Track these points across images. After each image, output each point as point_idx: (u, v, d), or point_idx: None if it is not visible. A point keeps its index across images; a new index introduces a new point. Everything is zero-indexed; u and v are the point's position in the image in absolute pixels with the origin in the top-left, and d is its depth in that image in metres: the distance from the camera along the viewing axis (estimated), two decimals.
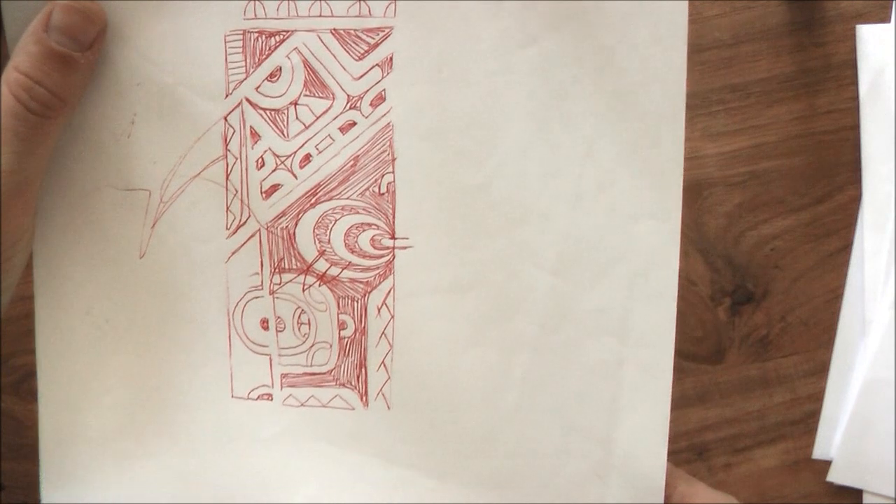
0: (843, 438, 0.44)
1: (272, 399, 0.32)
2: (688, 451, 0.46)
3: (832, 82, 0.44)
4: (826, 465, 0.45)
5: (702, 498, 0.31)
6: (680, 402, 0.46)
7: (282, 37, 0.30)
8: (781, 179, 0.44)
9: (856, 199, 0.44)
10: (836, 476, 0.45)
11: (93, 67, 0.27)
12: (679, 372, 0.46)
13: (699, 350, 0.45)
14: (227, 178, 0.31)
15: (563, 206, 0.31)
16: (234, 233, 0.31)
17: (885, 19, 0.44)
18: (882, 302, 0.44)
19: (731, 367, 0.45)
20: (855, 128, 0.44)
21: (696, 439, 0.46)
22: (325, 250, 0.31)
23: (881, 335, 0.44)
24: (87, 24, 0.26)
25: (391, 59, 0.30)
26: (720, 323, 0.45)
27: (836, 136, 0.44)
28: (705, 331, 0.45)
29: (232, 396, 0.32)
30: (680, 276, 0.45)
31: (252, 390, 0.32)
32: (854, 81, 0.44)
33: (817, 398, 0.45)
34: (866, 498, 0.44)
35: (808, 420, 0.45)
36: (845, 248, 0.44)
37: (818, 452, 0.45)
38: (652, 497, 0.31)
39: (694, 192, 0.45)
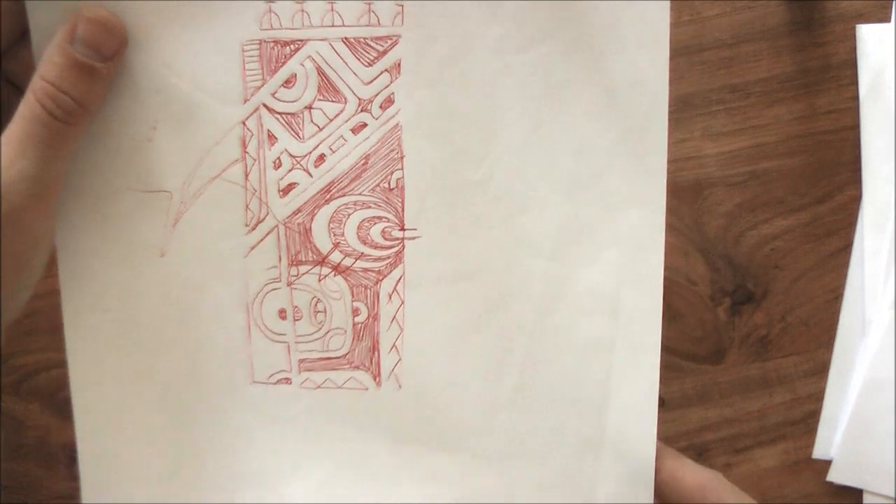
0: (843, 438, 0.44)
1: (290, 383, 0.34)
2: (688, 451, 0.46)
3: (832, 82, 0.44)
4: (826, 465, 0.45)
5: (690, 473, 0.33)
6: (680, 402, 0.46)
7: (296, 45, 0.32)
8: (781, 179, 0.44)
9: (856, 199, 0.44)
10: (836, 476, 0.45)
11: (113, 77, 0.29)
12: (679, 372, 0.46)
13: (699, 350, 0.45)
14: (245, 179, 0.33)
15: (557, 197, 0.33)
16: (252, 229, 0.33)
17: (885, 19, 0.44)
18: (882, 302, 0.44)
19: (731, 367, 0.45)
20: (855, 128, 0.44)
21: (696, 439, 0.46)
22: (339, 243, 0.34)
23: (881, 335, 0.44)
24: (110, 37, 0.28)
25: (399, 64, 0.32)
26: (720, 323, 0.45)
27: (836, 136, 0.44)
28: (705, 331, 0.45)
29: (252, 381, 0.34)
30: (680, 276, 0.45)
31: (271, 375, 0.34)
32: (854, 81, 0.44)
33: (817, 398, 0.45)
34: (866, 498, 0.44)
35: (808, 420, 0.45)
36: (845, 248, 0.45)
37: (818, 452, 0.45)
38: (643, 471, 0.33)
39: (694, 192, 0.45)
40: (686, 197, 0.45)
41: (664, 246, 0.33)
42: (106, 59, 0.28)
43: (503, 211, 0.33)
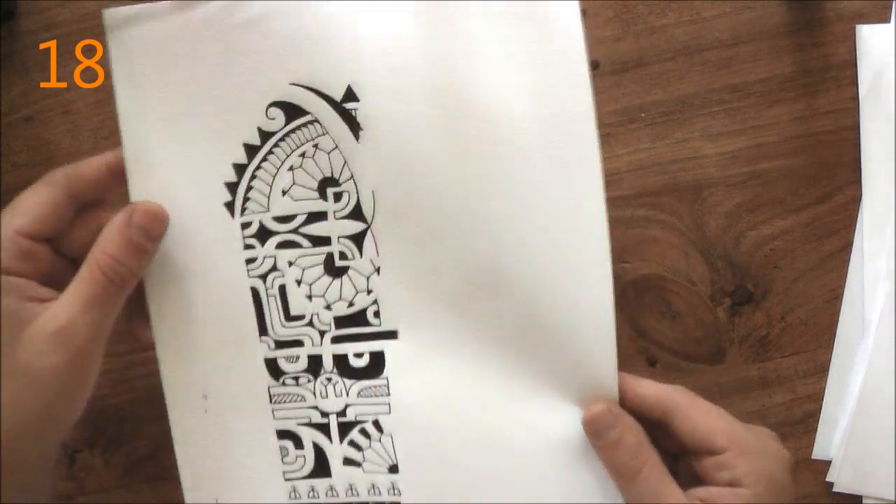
0: (842, 438, 0.44)
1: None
2: None
3: (832, 82, 0.44)
4: (826, 465, 0.45)
5: (651, 391, 0.36)
6: None
7: None
8: (781, 179, 0.45)
9: (856, 199, 0.44)
10: (835, 476, 0.45)
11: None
12: (679, 372, 0.46)
13: (699, 350, 0.45)
14: None
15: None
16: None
17: (885, 19, 0.44)
18: (882, 302, 0.44)
19: (731, 367, 0.45)
20: (855, 128, 0.44)
21: None
22: None
23: (881, 335, 0.44)
24: (158, 224, 0.36)
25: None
26: (720, 323, 0.45)
27: (836, 136, 0.44)
28: (705, 331, 0.45)
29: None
30: (680, 276, 0.45)
31: None
32: (854, 81, 0.44)
33: (817, 398, 0.45)
34: (866, 499, 0.44)
35: (808, 420, 0.45)
36: (845, 248, 0.45)
37: (818, 452, 0.45)
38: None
39: (694, 192, 0.45)
40: (686, 197, 0.45)
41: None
42: (153, 240, 0.36)
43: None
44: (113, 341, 0.36)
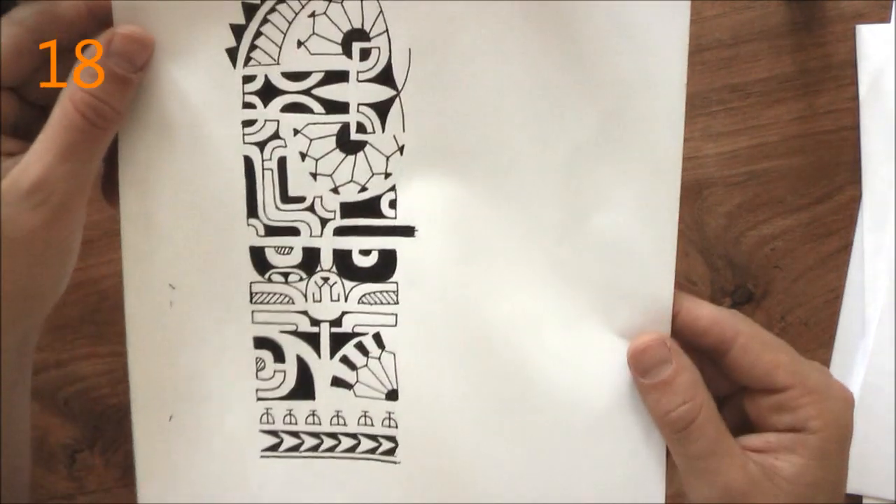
0: None
1: None
2: None
3: (832, 82, 0.44)
4: None
5: (706, 310, 0.30)
6: None
7: None
8: (781, 179, 0.45)
9: (856, 199, 0.44)
10: None
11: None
12: None
13: None
14: None
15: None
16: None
17: (885, 19, 0.44)
18: (882, 302, 0.44)
19: None
20: (855, 128, 0.44)
21: None
22: None
23: (881, 335, 0.44)
24: (141, 50, 0.30)
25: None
26: None
27: (836, 136, 0.44)
28: None
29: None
30: (680, 276, 0.45)
31: None
32: (854, 81, 0.44)
33: None
34: (866, 499, 0.44)
35: None
36: (845, 248, 0.45)
37: None
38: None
39: (694, 192, 0.45)
40: (686, 197, 0.45)
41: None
42: (138, 69, 0.30)
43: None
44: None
